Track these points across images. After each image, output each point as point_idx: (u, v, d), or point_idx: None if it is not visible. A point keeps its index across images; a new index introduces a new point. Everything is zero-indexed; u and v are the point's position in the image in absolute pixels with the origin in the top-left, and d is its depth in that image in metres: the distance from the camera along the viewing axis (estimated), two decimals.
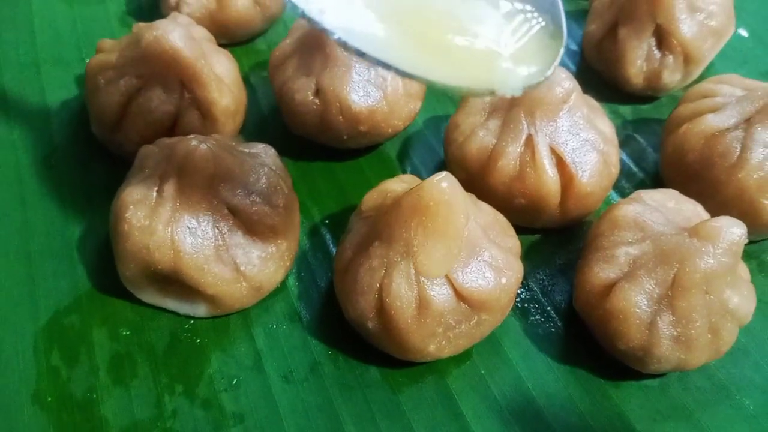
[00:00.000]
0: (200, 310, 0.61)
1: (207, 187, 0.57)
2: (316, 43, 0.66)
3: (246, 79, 0.79)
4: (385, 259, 0.55)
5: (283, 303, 0.63)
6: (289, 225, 0.62)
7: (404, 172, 0.74)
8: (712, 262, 0.53)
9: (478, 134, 0.65)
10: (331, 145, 0.72)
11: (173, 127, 0.68)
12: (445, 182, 0.53)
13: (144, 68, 0.66)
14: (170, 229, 0.57)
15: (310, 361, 0.60)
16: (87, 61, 0.74)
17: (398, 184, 0.61)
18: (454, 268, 0.54)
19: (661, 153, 0.71)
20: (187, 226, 0.57)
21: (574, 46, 0.87)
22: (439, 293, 0.53)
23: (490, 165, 0.63)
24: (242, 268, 0.59)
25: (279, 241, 0.60)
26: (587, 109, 0.65)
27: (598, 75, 0.82)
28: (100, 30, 0.86)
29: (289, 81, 0.68)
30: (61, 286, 0.64)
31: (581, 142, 0.63)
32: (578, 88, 0.64)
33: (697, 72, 0.78)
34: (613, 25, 0.78)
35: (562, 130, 0.63)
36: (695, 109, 0.68)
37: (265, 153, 0.64)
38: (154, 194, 0.58)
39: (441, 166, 0.74)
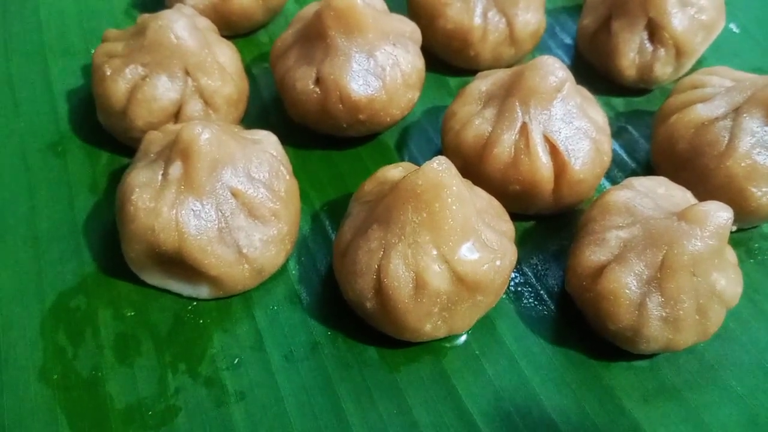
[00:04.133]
0: (203, 291, 0.63)
1: (210, 171, 0.59)
2: (317, 34, 0.68)
3: (248, 70, 0.81)
4: (383, 241, 0.56)
5: (284, 286, 0.65)
6: (290, 210, 0.64)
7: (402, 160, 0.76)
8: (699, 244, 0.55)
9: (474, 122, 0.67)
10: (330, 134, 0.74)
11: (177, 114, 0.70)
12: (440, 166, 0.55)
13: (149, 57, 0.68)
14: (175, 211, 0.58)
15: (310, 342, 0.62)
16: (93, 51, 0.76)
17: (396, 170, 0.63)
18: (450, 249, 0.56)
19: (652, 143, 0.73)
20: (191, 209, 0.59)
21: (568, 40, 0.89)
22: (436, 274, 0.55)
23: (486, 152, 0.65)
24: (244, 251, 0.60)
25: (280, 225, 0.62)
26: (580, 99, 0.67)
27: (592, 68, 0.84)
28: (105, 22, 0.87)
29: (291, 70, 0.70)
30: (67, 269, 0.65)
31: (574, 130, 0.65)
32: (572, 78, 0.66)
33: (688, 65, 0.80)
34: (606, 19, 0.79)
35: (556, 119, 0.65)
36: (685, 100, 0.69)
37: (266, 139, 0.66)
38: (159, 177, 0.59)
39: (438, 155, 0.76)
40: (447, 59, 0.82)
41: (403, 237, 0.56)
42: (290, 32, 0.72)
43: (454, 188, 0.55)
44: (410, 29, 0.74)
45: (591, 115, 0.67)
